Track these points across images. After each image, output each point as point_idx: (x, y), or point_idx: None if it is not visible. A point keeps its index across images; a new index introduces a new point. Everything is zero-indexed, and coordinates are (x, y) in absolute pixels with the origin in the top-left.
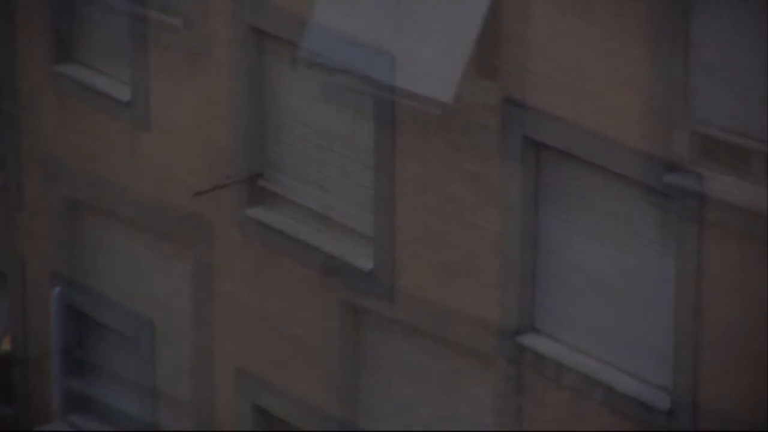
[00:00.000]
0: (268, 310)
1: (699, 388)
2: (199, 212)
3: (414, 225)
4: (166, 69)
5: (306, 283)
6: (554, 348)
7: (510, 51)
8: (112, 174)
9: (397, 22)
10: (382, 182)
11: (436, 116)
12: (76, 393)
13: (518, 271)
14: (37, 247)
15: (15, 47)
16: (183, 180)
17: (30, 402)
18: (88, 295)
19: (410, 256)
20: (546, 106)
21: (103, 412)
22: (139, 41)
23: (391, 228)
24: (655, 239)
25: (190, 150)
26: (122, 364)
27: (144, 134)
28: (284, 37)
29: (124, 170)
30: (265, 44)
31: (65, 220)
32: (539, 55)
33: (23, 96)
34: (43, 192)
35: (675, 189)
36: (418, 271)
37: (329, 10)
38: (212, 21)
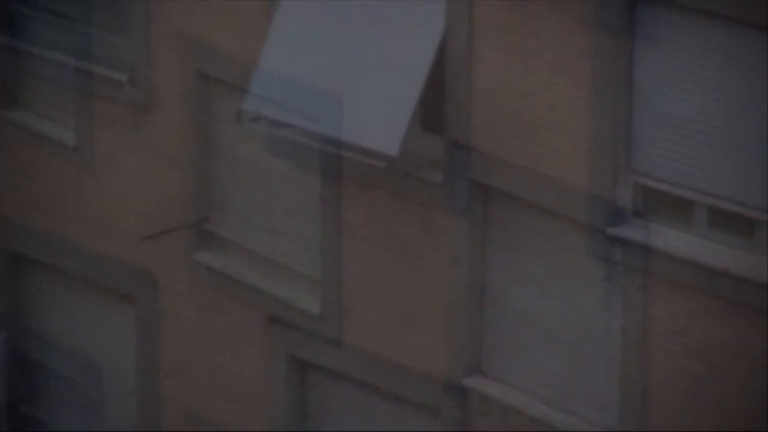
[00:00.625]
0: (215, 355)
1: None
2: (146, 257)
3: (362, 270)
4: (110, 120)
5: (253, 329)
6: (501, 391)
7: (456, 97)
8: (57, 221)
9: (342, 74)
10: (330, 227)
11: (381, 169)
12: None
13: (465, 316)
14: None
15: None
16: (129, 226)
17: None
18: (34, 341)
19: (358, 300)
20: (492, 151)
21: None
22: (83, 94)
23: (339, 273)
24: (600, 288)
25: (136, 197)
26: (69, 410)
27: (89, 181)
28: (231, 84)
29: (70, 217)
30: (212, 92)
31: (11, 268)
32: (485, 101)
33: None
34: None
35: (619, 240)
36: (365, 316)
37: (276, 60)
38: (157, 74)
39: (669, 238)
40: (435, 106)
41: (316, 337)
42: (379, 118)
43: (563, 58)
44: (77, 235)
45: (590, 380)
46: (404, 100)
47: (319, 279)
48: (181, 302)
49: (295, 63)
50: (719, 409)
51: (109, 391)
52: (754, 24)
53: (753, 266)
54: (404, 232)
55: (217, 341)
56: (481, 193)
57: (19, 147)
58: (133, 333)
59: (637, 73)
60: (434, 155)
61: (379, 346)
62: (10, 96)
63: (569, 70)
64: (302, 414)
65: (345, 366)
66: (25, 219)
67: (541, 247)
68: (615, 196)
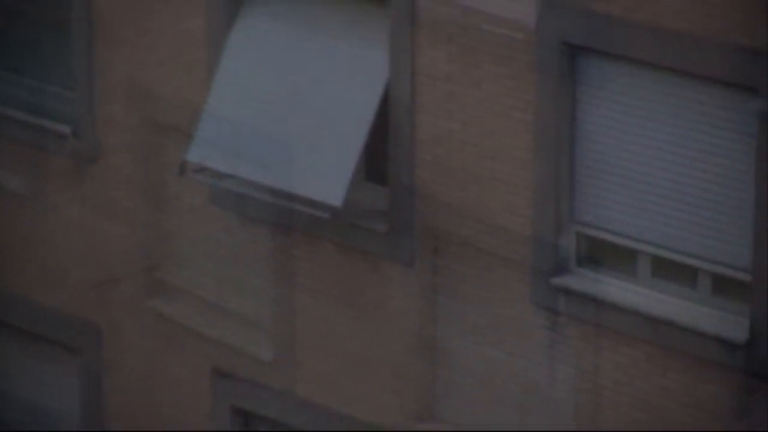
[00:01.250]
0: (160, 405)
1: None
2: (92, 308)
3: (311, 320)
4: (56, 172)
5: (199, 378)
6: None
7: (399, 147)
8: (2, 275)
9: (286, 124)
10: (278, 277)
11: (326, 220)
12: None
13: (414, 366)
14: None
15: None
16: (76, 277)
17: None
18: None
19: (307, 350)
20: (437, 201)
21: None
22: (29, 146)
23: (290, 322)
24: (545, 338)
25: (83, 248)
26: None
27: (36, 232)
28: (176, 134)
29: (16, 269)
30: (158, 142)
31: None
32: (428, 151)
33: None
34: None
35: (563, 290)
36: (314, 365)
37: (220, 110)
38: (102, 125)
39: (613, 287)
40: (379, 156)
41: (265, 388)
42: (323, 168)
43: (505, 108)
44: (23, 288)
45: (543, 428)
46: (348, 151)
47: (270, 328)
48: (128, 352)
49: (239, 113)
50: None
51: None
52: (696, 75)
53: (696, 315)
54: (351, 283)
55: (162, 391)
56: (427, 243)
57: None
58: (77, 384)
59: (580, 122)
60: (379, 205)
61: (327, 395)
62: None
63: (511, 120)
64: None
65: (292, 416)
66: None
67: (486, 297)
68: (559, 245)
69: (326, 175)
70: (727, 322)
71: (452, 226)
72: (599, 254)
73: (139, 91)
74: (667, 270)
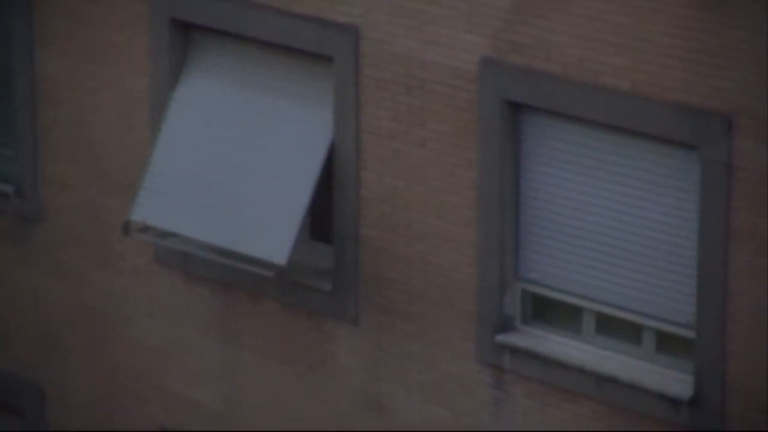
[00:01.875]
0: None
1: None
2: (37, 366)
3: (257, 378)
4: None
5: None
6: None
7: (344, 205)
8: None
9: (231, 183)
10: (226, 336)
11: (270, 278)
12: None
13: (358, 426)
14: None
15: None
16: (20, 335)
17: None
18: None
19: (254, 407)
20: (381, 259)
21: None
22: None
23: (237, 379)
24: (489, 396)
25: (29, 308)
26: None
27: None
28: (120, 193)
29: None
30: (101, 202)
31: None
32: (373, 209)
33: None
34: None
35: (508, 347)
36: (261, 422)
37: (164, 169)
38: (45, 187)
39: (558, 344)
40: (324, 214)
41: None
42: (268, 227)
43: (450, 166)
44: None
45: None
46: (293, 209)
47: (215, 386)
48: (72, 413)
49: (183, 172)
50: None
51: None
52: (638, 132)
53: (641, 372)
54: (296, 341)
55: None
56: (372, 301)
57: None
58: None
59: (524, 180)
60: (324, 264)
61: None
62: None
63: (456, 177)
64: None
65: None
66: None
67: (431, 354)
68: (503, 302)
69: (271, 233)
70: (671, 378)
71: (397, 284)
72: (544, 311)
73: (83, 151)
74: (612, 327)
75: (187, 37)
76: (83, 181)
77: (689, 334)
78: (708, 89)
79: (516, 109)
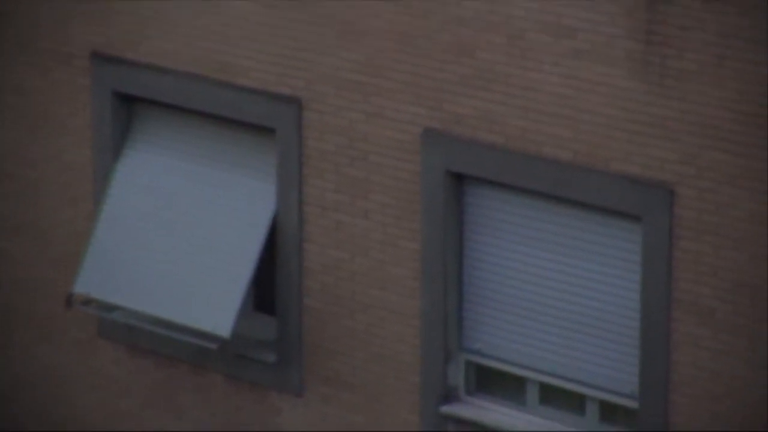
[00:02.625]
0: None
1: None
2: None
3: None
4: None
5: None
6: None
7: (287, 277)
8: None
9: (174, 255)
10: (169, 409)
11: (214, 350)
12: None
13: None
14: None
15: None
16: None
17: None
18: None
19: None
20: (325, 331)
21: None
22: None
23: None
24: None
25: None
26: None
27: None
28: (63, 267)
29: None
30: (46, 276)
31: None
32: (317, 281)
33: None
34: None
35: (452, 418)
36: None
37: (107, 241)
38: None
39: (502, 415)
40: (267, 286)
41: None
42: (211, 298)
43: (393, 237)
44: None
45: None
46: (236, 281)
47: None
48: None
49: (126, 244)
50: None
51: None
52: (581, 203)
53: None
54: (240, 414)
55: None
56: (316, 373)
57: None
58: None
59: (467, 251)
60: (267, 336)
61: None
62: None
63: (399, 249)
64: None
65: None
66: None
67: (376, 426)
68: (447, 373)
69: (214, 305)
70: None
71: (342, 356)
72: (488, 382)
73: (26, 224)
74: (556, 397)
75: (129, 109)
76: (27, 253)
77: (632, 404)
78: (650, 159)
79: (459, 180)
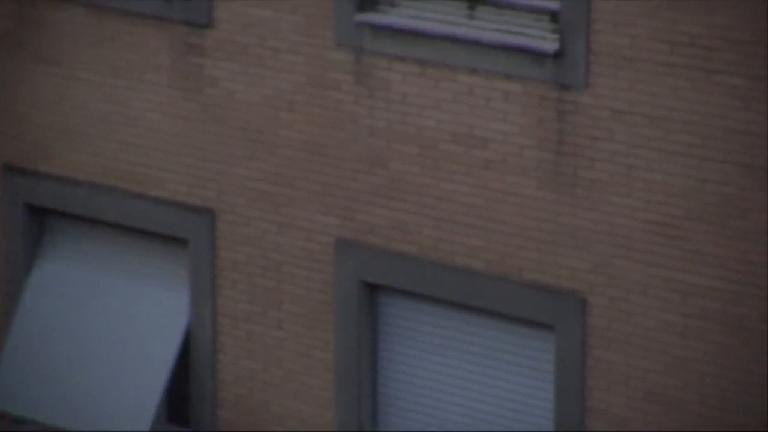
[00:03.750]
0: None
1: None
2: None
3: None
4: None
5: None
6: None
7: (201, 389)
8: None
9: (86, 366)
10: None
11: None
12: None
13: None
14: None
15: None
16: None
17: None
18: None
19: None
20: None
21: None
22: None
23: None
24: None
25: None
26: None
27: None
28: None
29: None
30: None
31: None
32: (230, 392)
33: None
34: None
35: None
36: None
37: (19, 352)
38: None
39: None
40: (180, 397)
41: None
42: (124, 410)
43: (306, 348)
44: None
45: None
46: (149, 393)
47: None
48: None
49: (38, 356)
50: None
51: None
52: (493, 312)
53: None
54: None
55: None
56: None
57: None
58: None
59: (381, 360)
60: None
61: None
62: None
63: (313, 359)
64: None
65: None
66: None
67: None
68: None
69: (128, 417)
70: None
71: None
72: None
73: None
74: None
75: (41, 221)
76: None
77: None
78: (561, 269)
79: (373, 290)
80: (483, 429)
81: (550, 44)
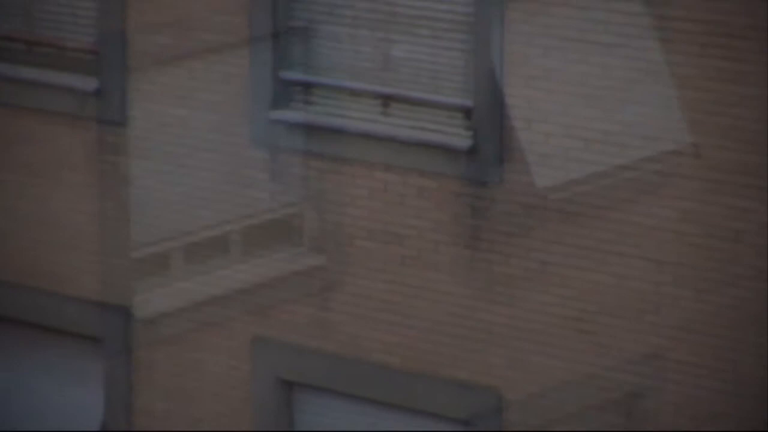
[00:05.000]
0: None
1: None
2: None
3: None
4: None
5: None
6: None
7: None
8: None
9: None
10: None
11: None
12: None
13: None
14: None
15: None
16: None
17: None
18: None
19: None
20: None
21: None
22: None
23: None
24: None
25: None
26: None
27: None
28: None
29: None
30: None
31: None
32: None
33: None
34: None
35: None
36: None
37: None
38: None
39: None
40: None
41: None
42: None
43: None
44: None
45: None
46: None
47: None
48: None
49: None
50: None
51: None
52: (412, 409)
53: None
54: None
55: None
56: None
57: None
58: None
59: None
60: None
61: None
62: None
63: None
64: None
65: None
66: None
67: None
68: None
69: None
70: None
71: None
72: None
73: None
74: None
75: None
76: None
77: None
78: (477, 365)
79: (290, 387)
80: None
81: (464, 141)
